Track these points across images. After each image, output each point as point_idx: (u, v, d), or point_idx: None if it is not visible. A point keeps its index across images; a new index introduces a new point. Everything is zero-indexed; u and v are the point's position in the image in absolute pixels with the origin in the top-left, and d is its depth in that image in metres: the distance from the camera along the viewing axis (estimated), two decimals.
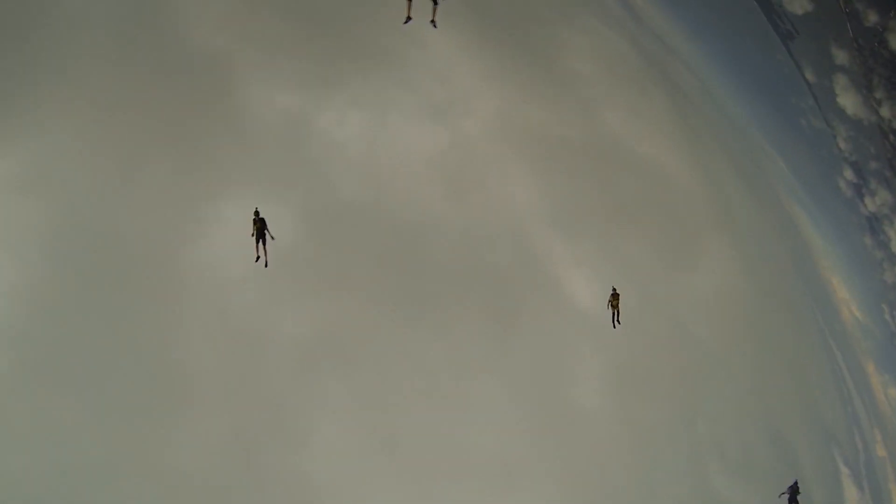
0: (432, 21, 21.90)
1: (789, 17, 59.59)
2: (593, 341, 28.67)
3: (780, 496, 26.08)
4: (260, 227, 22.42)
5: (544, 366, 27.95)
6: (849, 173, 41.99)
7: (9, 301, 21.01)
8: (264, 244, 22.57)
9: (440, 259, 25.59)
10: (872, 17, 35.35)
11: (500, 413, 26.02)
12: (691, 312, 33.52)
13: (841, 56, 39.75)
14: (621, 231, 31.60)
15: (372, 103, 27.57)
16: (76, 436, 20.22)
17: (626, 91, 40.98)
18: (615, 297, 26.43)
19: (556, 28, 41.30)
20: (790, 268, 44.35)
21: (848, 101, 39.11)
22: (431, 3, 21.72)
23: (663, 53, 55.67)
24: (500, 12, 38.61)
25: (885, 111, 36.08)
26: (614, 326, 26.08)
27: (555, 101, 33.65)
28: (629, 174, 34.21)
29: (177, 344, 22.54)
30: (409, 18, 21.97)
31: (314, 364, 24.31)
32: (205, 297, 23.91)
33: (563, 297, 28.66)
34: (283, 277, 23.61)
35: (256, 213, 22.32)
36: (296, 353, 24.10)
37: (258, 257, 22.61)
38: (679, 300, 32.94)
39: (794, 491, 26.14)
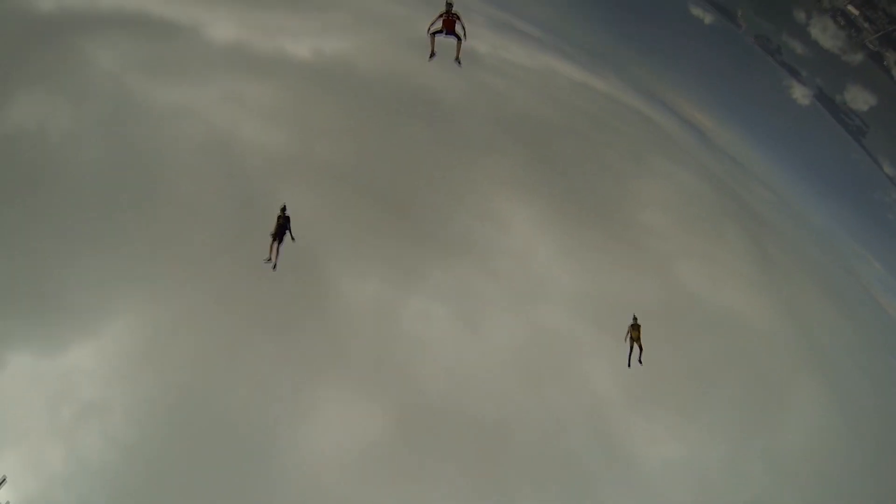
0: (457, 59, 21.12)
1: (857, 114, 59.00)
2: None
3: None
4: (282, 225, 21.73)
5: None
6: None
7: (126, 459, 23.22)
8: (280, 244, 21.78)
9: (520, 453, 26.84)
10: None
11: None
12: (778, 477, 32.59)
13: None
14: (700, 397, 31.83)
15: (454, 294, 30.01)
16: None
17: (701, 235, 41.96)
18: (636, 328, 23.94)
19: (628, 180, 43.25)
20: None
21: None
22: (456, 41, 20.86)
23: (736, 174, 56.18)
24: (572, 172, 41.14)
25: None
26: (629, 366, 23.57)
27: (630, 266, 35.05)
28: (707, 331, 34.71)
29: None
30: (433, 54, 21.39)
31: None
32: (300, 476, 25.36)
33: (641, 478, 28.96)
34: (373, 467, 25.58)
35: (283, 209, 21.74)
36: None
37: (269, 259, 21.86)
38: (764, 462, 32.21)
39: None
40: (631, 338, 23.91)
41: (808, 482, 32.55)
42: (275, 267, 21.67)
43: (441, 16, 20.84)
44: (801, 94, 57.86)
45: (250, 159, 31.04)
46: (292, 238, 21.79)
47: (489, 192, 35.59)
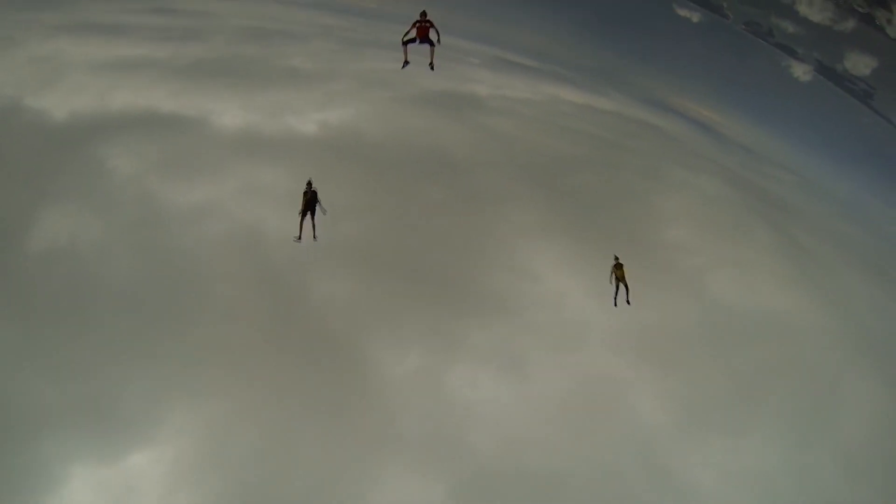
0: (430, 64, 21.59)
1: (860, 79, 58.58)
2: None
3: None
4: (310, 200, 21.13)
5: None
6: None
7: None
8: (312, 218, 21.20)
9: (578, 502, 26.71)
10: None
11: None
12: (850, 473, 31.86)
13: None
14: (751, 409, 31.48)
15: (495, 354, 30.28)
16: None
17: (729, 240, 41.77)
18: (619, 267, 23.80)
19: (647, 199, 43.33)
20: None
21: None
22: (429, 48, 21.30)
23: (753, 164, 55.86)
24: (591, 203, 41.32)
25: None
26: (615, 305, 23.49)
27: (664, 291, 34.91)
28: (748, 342, 34.56)
29: None
30: (406, 62, 21.66)
31: None
32: None
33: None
34: None
35: (309, 184, 21.28)
36: None
37: (298, 237, 21.14)
38: (833, 462, 31.54)
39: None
40: (616, 278, 23.73)
41: (883, 471, 31.87)
42: (315, 237, 21.01)
43: (415, 24, 21.38)
44: (801, 71, 57.64)
45: (277, 250, 31.53)
46: (323, 211, 21.21)
47: (513, 242, 36.16)
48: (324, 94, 44.65)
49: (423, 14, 21.66)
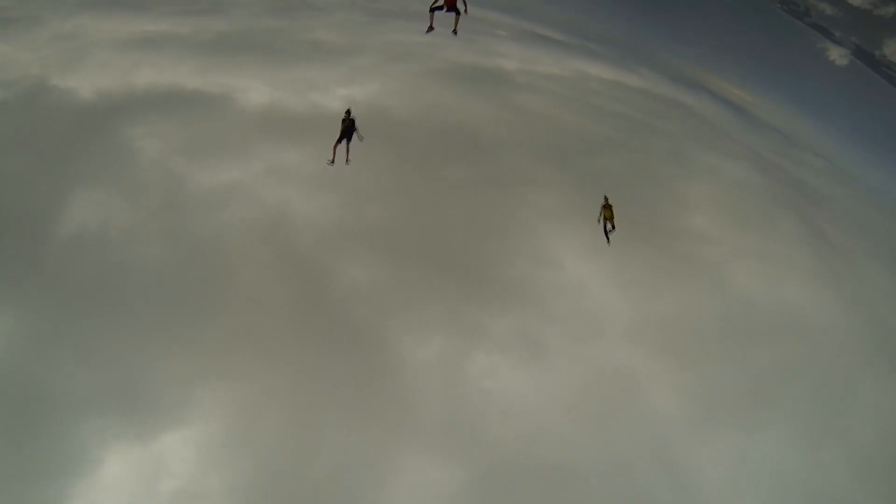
0: (454, 31, 21.77)
1: None
2: None
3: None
4: (348, 127, 21.45)
5: None
6: None
7: None
8: (348, 142, 21.62)
9: (594, 497, 27.36)
10: None
11: None
12: (863, 472, 32.23)
13: None
14: (765, 408, 31.70)
15: (516, 343, 30.72)
16: None
17: (754, 230, 41.30)
18: (608, 208, 24.30)
19: (673, 185, 42.79)
20: None
21: None
22: (455, 15, 21.43)
23: (783, 147, 54.70)
24: (616, 189, 40.56)
25: None
26: (609, 243, 24.22)
27: (684, 282, 34.87)
28: (767, 338, 34.60)
29: None
30: (431, 28, 21.87)
31: None
32: None
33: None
34: None
35: (348, 112, 21.66)
36: None
37: (331, 161, 21.56)
38: (846, 461, 31.84)
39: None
40: (605, 218, 24.20)
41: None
42: (347, 161, 21.52)
43: None
44: (838, 54, 56.06)
45: (304, 234, 31.91)
46: (360, 138, 21.68)
47: (536, 226, 36.00)
48: (349, 69, 44.19)
49: None
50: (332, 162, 21.96)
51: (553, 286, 33.27)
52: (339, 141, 21.71)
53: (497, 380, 29.63)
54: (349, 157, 21.77)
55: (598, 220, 24.27)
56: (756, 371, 33.24)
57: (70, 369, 26.40)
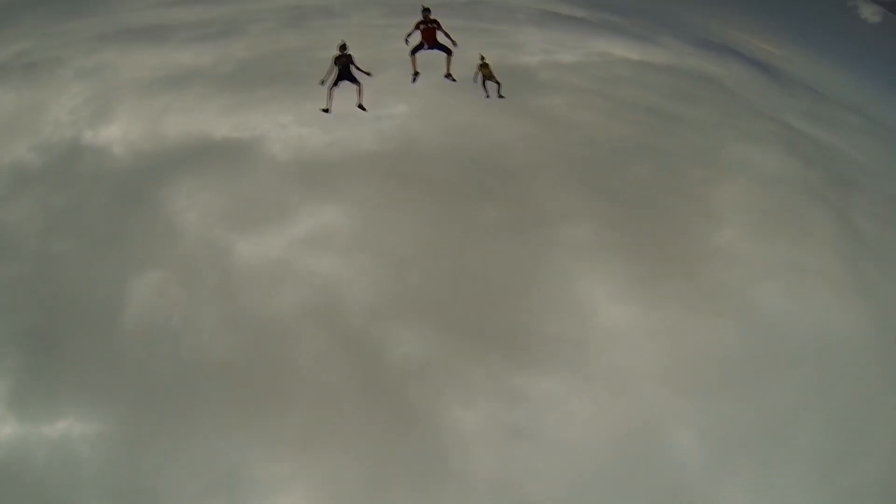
0: (447, 75, 20.10)
1: None
2: None
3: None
4: (345, 64, 19.07)
5: None
6: None
7: None
8: (356, 84, 19.56)
9: None
10: None
11: None
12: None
13: None
14: (783, 443, 33.24)
15: (555, 407, 32.83)
16: None
17: (785, 240, 41.19)
18: (484, 66, 24.54)
19: (701, 191, 42.58)
20: None
21: None
22: (445, 56, 19.31)
23: (817, 106, 52.64)
24: (642, 205, 41.11)
25: None
26: (487, 96, 24.66)
27: (713, 317, 36.12)
28: (789, 367, 35.32)
29: None
30: (416, 74, 19.80)
31: None
32: None
33: None
34: None
35: (342, 47, 19.05)
36: None
37: (326, 108, 19.89)
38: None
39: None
40: (483, 76, 25.05)
41: None
42: (364, 107, 20.25)
43: (417, 26, 18.93)
44: (870, 12, 52.17)
45: (352, 310, 33.89)
46: (367, 73, 19.62)
47: (569, 270, 37.09)
48: (373, 93, 43.20)
49: (426, 11, 18.65)
50: (328, 110, 20.22)
51: (585, 341, 34.95)
52: (336, 83, 19.66)
53: (537, 443, 32.29)
54: (363, 102, 19.80)
55: (475, 80, 24.83)
56: (774, 405, 34.52)
57: (170, 471, 29.77)
